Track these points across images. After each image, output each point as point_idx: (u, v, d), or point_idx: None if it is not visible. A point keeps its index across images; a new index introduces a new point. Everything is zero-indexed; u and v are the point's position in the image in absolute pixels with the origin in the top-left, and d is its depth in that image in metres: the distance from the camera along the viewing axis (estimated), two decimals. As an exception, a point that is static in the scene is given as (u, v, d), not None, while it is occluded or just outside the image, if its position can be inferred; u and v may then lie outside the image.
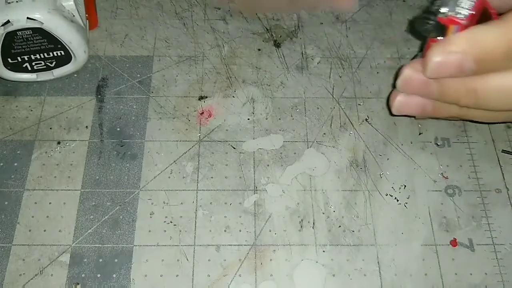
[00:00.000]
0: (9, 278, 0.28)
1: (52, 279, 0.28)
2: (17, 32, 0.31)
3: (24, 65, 0.33)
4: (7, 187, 0.31)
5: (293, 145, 0.33)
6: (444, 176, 0.32)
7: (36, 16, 0.30)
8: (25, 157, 0.32)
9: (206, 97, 0.35)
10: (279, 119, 0.34)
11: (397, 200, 0.31)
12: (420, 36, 0.30)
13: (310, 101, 0.35)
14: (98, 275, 0.28)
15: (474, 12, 0.27)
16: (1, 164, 0.32)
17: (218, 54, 0.37)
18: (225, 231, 0.30)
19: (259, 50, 0.37)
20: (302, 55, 0.37)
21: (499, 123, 0.34)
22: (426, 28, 0.27)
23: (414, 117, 0.34)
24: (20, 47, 0.32)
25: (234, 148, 0.33)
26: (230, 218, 0.30)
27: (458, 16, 0.27)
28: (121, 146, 0.33)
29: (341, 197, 0.31)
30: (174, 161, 0.32)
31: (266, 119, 0.34)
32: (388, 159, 0.33)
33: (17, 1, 0.30)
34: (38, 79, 0.34)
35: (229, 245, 0.29)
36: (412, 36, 0.37)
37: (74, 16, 0.32)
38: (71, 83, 0.35)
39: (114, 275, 0.28)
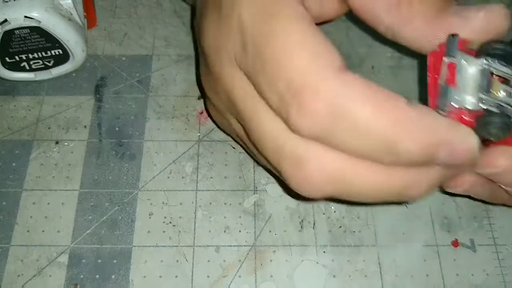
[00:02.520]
0: (7, 279, 0.28)
1: (50, 280, 0.28)
2: (15, 31, 0.30)
3: (22, 64, 0.33)
4: (5, 187, 0.31)
5: (293, 144, 0.33)
6: (445, 176, 0.32)
7: (34, 14, 0.30)
8: (23, 157, 0.32)
9: (206, 96, 0.35)
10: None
11: (398, 200, 0.31)
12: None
13: (311, 101, 0.35)
14: (97, 276, 0.28)
15: None
16: (-1, 164, 0.32)
17: (218, 53, 0.36)
18: (224, 231, 0.30)
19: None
20: (302, 54, 0.37)
21: None
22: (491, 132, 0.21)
23: None
24: (17, 46, 0.31)
25: (234, 148, 0.33)
26: (229, 219, 0.30)
27: None
28: (120, 146, 0.32)
29: (341, 197, 0.31)
30: (173, 161, 0.32)
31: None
32: (389, 159, 0.32)
33: (14, 0, 0.30)
34: (37, 78, 0.34)
35: (229, 245, 0.29)
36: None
37: (72, 14, 0.32)
38: (70, 83, 0.35)
39: (113, 276, 0.28)
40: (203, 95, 0.34)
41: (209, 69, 0.25)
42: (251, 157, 0.31)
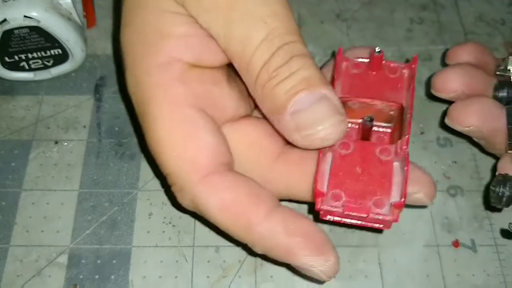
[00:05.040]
0: (6, 279, 0.28)
1: (50, 280, 0.28)
2: (14, 31, 0.30)
3: (21, 64, 0.33)
4: (5, 187, 0.31)
5: (293, 144, 0.33)
6: (446, 176, 0.32)
7: (33, 14, 0.30)
8: (22, 157, 0.32)
9: (206, 96, 0.34)
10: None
11: (399, 201, 0.31)
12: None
13: (311, 100, 0.34)
14: (96, 277, 0.28)
15: None
16: (-2, 164, 0.31)
17: (218, 53, 0.36)
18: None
19: (259, 48, 0.37)
20: (303, 54, 0.37)
21: None
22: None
23: None
24: (17, 45, 0.31)
25: (234, 147, 0.32)
26: (229, 219, 0.30)
27: None
28: (120, 146, 0.32)
29: (342, 197, 0.31)
30: (173, 161, 0.32)
31: (266, 118, 0.34)
32: (389, 158, 0.32)
33: (13, -1, 0.30)
34: (36, 78, 0.34)
35: (229, 246, 0.29)
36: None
37: (71, 14, 0.32)
38: (69, 82, 0.35)
39: (113, 277, 0.28)
40: None
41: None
42: None
